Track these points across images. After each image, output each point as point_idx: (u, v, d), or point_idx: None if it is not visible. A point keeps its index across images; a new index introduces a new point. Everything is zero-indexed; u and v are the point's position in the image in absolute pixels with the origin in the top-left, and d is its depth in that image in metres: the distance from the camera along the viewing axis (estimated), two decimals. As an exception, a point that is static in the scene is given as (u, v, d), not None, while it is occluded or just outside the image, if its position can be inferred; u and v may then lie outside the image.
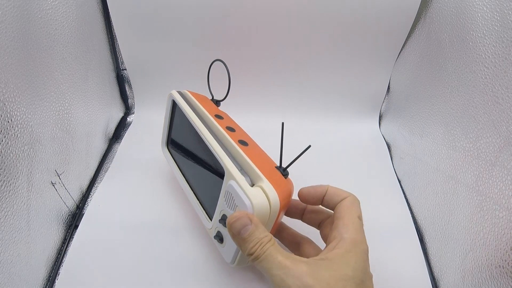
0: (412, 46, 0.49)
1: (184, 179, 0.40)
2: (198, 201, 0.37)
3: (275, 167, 0.30)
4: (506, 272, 0.27)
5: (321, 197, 0.30)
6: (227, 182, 0.29)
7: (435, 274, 0.37)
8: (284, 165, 0.30)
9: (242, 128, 0.37)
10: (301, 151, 0.28)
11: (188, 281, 0.36)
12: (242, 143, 0.32)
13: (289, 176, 0.30)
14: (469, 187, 0.33)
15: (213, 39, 0.51)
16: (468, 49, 0.36)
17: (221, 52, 0.52)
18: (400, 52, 0.51)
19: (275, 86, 0.56)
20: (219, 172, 0.31)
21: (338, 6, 0.47)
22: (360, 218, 0.27)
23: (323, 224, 0.32)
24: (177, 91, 0.40)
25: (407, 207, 0.44)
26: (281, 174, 0.29)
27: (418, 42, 0.47)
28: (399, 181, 0.48)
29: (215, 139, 0.32)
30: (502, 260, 0.27)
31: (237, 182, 0.28)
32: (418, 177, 0.44)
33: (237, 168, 0.29)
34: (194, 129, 0.34)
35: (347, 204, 0.28)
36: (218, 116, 0.36)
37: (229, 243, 0.29)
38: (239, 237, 0.25)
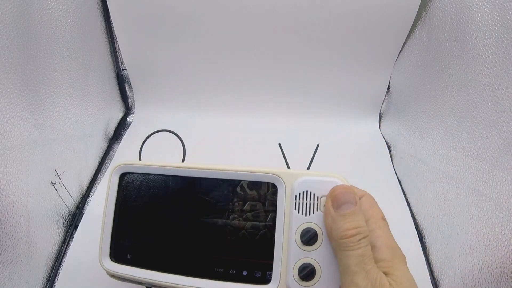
0: (412, 46, 0.49)
1: (181, 275, 0.26)
2: (224, 281, 0.25)
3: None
4: (506, 272, 0.27)
5: None
6: (291, 186, 0.25)
7: (435, 274, 0.37)
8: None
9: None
10: (313, 153, 0.31)
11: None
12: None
13: None
14: (469, 187, 0.33)
15: (213, 39, 0.51)
16: (468, 49, 0.36)
17: (221, 52, 0.52)
18: (400, 52, 0.51)
19: (275, 86, 0.56)
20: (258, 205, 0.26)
21: (338, 6, 0.47)
22: (384, 219, 0.24)
23: None
24: (119, 164, 0.28)
25: (407, 207, 0.44)
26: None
27: (418, 42, 0.47)
28: (399, 181, 0.48)
29: (239, 169, 0.26)
30: (502, 260, 0.27)
31: (307, 175, 0.25)
32: (418, 177, 0.44)
33: (289, 170, 0.26)
34: (200, 179, 0.27)
35: (366, 207, 0.24)
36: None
37: (328, 270, 0.23)
38: (337, 212, 0.22)
